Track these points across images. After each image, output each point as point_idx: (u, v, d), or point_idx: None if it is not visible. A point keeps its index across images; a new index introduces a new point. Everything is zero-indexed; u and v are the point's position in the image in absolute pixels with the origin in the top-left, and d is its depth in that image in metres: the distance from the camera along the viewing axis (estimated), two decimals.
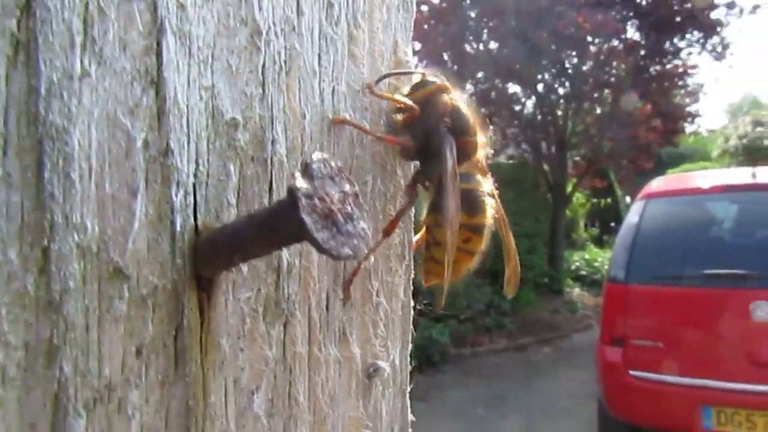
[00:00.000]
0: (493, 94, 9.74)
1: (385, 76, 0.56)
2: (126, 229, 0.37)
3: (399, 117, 0.56)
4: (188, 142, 0.40)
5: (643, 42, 9.70)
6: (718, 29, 9.61)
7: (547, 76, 9.84)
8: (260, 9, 0.45)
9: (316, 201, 0.34)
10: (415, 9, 0.61)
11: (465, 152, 0.58)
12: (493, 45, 9.34)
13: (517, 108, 10.33)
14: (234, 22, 0.43)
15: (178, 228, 0.39)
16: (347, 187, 0.37)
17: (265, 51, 0.45)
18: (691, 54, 9.96)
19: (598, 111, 10.22)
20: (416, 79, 0.58)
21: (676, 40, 9.73)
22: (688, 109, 10.65)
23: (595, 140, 10.24)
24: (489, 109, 9.84)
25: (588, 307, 9.68)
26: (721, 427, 3.42)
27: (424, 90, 0.57)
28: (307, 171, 0.35)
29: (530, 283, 9.02)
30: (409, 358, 0.62)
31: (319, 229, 0.34)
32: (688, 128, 11.07)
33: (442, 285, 0.57)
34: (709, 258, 3.76)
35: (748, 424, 3.36)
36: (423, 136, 0.56)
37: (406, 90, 0.58)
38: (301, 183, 0.34)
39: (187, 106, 0.40)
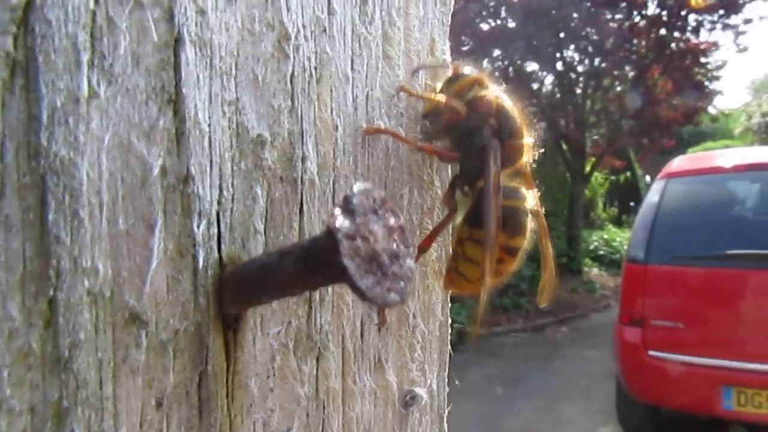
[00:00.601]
0: (510, 71, 9.57)
1: (417, 69, 0.50)
2: (143, 268, 0.32)
3: (437, 118, 0.51)
4: (210, 166, 0.36)
5: (664, 18, 9.45)
6: (741, 6, 9.33)
7: (566, 53, 9.65)
8: (288, 10, 0.40)
9: (359, 242, 0.29)
10: (453, 2, 0.55)
11: (510, 157, 0.53)
12: (510, 23, 9.16)
13: (536, 86, 10.15)
14: (260, 26, 0.39)
15: (201, 263, 0.35)
16: (392, 221, 0.32)
17: (294, 57, 0.41)
18: (714, 30, 9.69)
19: (619, 89, 10.01)
20: (449, 72, 0.53)
21: (698, 16, 9.46)
22: (708, 88, 10.39)
23: (615, 119, 10.06)
24: (507, 87, 9.69)
25: (606, 287, 9.61)
26: (741, 408, 3.40)
27: (460, 83, 0.52)
28: (348, 206, 0.30)
29: None
30: (446, 380, 0.57)
31: (363, 276, 0.29)
32: (710, 109, 10.82)
33: (463, 296, 0.53)
34: (730, 238, 3.71)
35: None
36: (464, 139, 0.51)
37: (439, 86, 0.53)
38: (341, 222, 0.29)
39: (209, 125, 0.35)
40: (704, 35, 9.77)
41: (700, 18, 9.45)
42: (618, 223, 13.91)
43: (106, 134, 0.31)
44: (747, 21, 9.49)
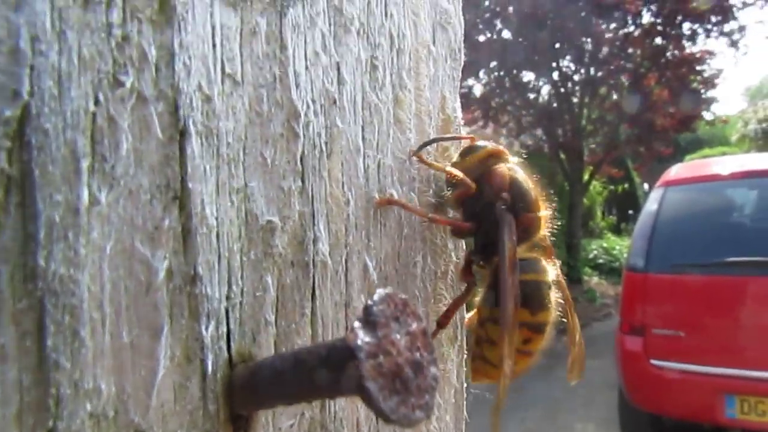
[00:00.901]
0: (507, 82, 9.59)
1: (429, 142, 0.49)
2: (148, 380, 0.30)
3: (450, 190, 0.49)
4: (219, 261, 0.33)
5: (659, 27, 9.49)
6: (734, 14, 9.37)
7: (562, 62, 9.68)
8: (297, 86, 0.38)
9: (381, 358, 0.27)
10: (463, 57, 0.54)
11: (527, 231, 0.51)
12: (506, 34, 9.18)
13: (532, 96, 10.17)
14: (268, 106, 0.37)
15: (210, 367, 0.33)
16: (414, 326, 0.30)
17: (304, 135, 0.39)
18: (710, 38, 9.72)
19: (615, 97, 10.03)
20: (465, 143, 0.51)
21: (692, 25, 9.49)
22: (704, 95, 10.41)
23: (612, 127, 10.08)
24: (503, 98, 9.71)
25: (606, 295, 9.59)
26: (745, 416, 3.38)
27: (474, 156, 0.50)
28: (368, 318, 0.28)
29: None
30: None
31: (386, 397, 0.27)
32: (706, 115, 10.84)
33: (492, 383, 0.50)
34: (730, 245, 3.71)
35: None
36: (478, 213, 0.49)
37: (455, 154, 0.51)
38: (363, 338, 0.27)
39: (217, 218, 0.33)
40: (700, 43, 9.80)
41: (695, 26, 9.49)
42: (617, 231, 13.91)
43: (108, 242, 0.29)
44: (741, 28, 9.52)
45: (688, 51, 9.68)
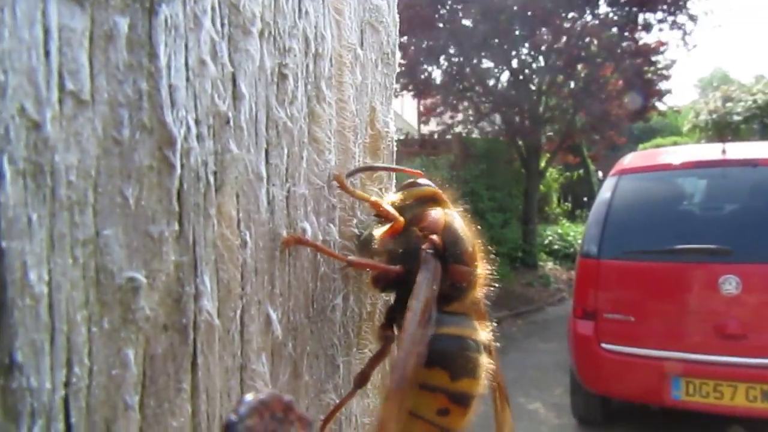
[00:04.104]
0: (467, 69, 9.55)
1: (360, 170, 0.41)
2: None
3: (376, 229, 0.42)
4: (51, 341, 0.25)
5: (615, 18, 9.57)
6: (685, 4, 9.51)
7: (521, 50, 9.69)
8: (173, 105, 0.30)
9: None
10: (398, 61, 0.46)
11: (456, 286, 0.42)
12: (466, 21, 9.12)
13: (491, 83, 10.16)
14: (130, 131, 0.28)
15: None
16: None
17: (183, 165, 0.31)
18: (662, 30, 9.87)
19: (572, 86, 10.11)
20: (407, 177, 0.44)
21: (647, 16, 9.61)
22: (658, 87, 10.58)
23: (569, 115, 10.17)
24: (462, 84, 9.67)
25: (561, 280, 9.74)
26: (690, 397, 3.47)
27: (412, 192, 0.43)
28: None
29: (504, 257, 9.00)
30: None
31: None
32: (660, 106, 11.02)
33: None
34: (679, 233, 3.80)
35: (716, 394, 3.41)
36: (403, 257, 0.41)
37: (390, 186, 0.43)
38: None
39: (49, 283, 0.25)
40: (654, 34, 9.93)
41: (647, 16, 9.61)
42: (572, 217, 14.10)
43: None
44: (692, 17, 9.66)
45: (642, 42, 9.81)
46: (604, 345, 3.75)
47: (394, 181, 0.47)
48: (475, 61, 9.47)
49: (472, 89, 9.64)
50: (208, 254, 0.32)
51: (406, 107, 11.76)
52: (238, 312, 0.34)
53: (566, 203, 15.12)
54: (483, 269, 0.44)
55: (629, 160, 4.55)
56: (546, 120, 10.28)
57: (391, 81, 0.46)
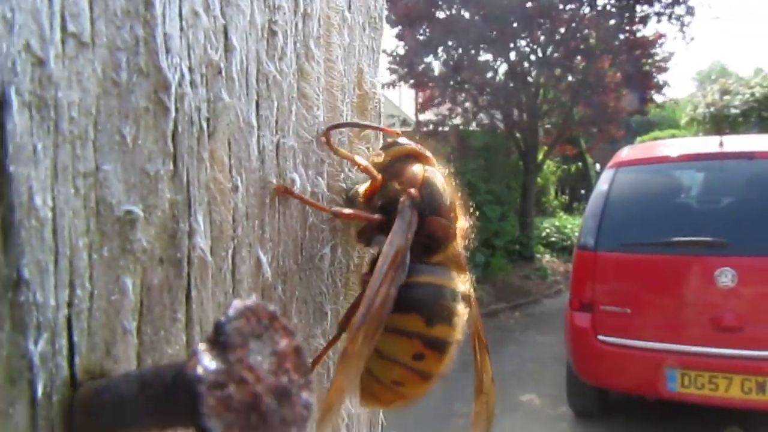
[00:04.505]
0: (465, 61, 9.54)
1: (344, 125, 0.43)
2: None
3: (360, 186, 0.44)
4: (56, 262, 0.28)
5: (613, 10, 9.56)
6: None
7: (519, 43, 9.69)
8: (168, 52, 0.32)
9: (232, 390, 0.22)
10: (384, 25, 0.48)
11: (433, 237, 0.44)
12: (464, 12, 9.11)
13: (489, 75, 10.16)
14: (128, 74, 0.30)
15: (41, 389, 0.27)
16: (282, 344, 0.25)
17: (177, 109, 0.33)
18: (661, 22, 9.86)
19: (570, 78, 10.11)
20: (387, 138, 0.46)
21: (644, 8, 9.60)
22: (656, 79, 10.58)
23: (566, 108, 10.18)
24: (461, 76, 9.67)
25: (558, 273, 9.76)
26: (685, 389, 3.50)
27: (393, 151, 0.45)
28: (218, 339, 0.23)
29: (502, 250, 9.03)
30: None
31: None
32: (658, 98, 11.01)
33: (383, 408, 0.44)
34: (676, 225, 3.82)
35: (711, 386, 3.44)
36: (383, 210, 0.43)
37: (376, 145, 0.45)
38: (206, 365, 0.22)
39: (53, 209, 0.27)
40: (652, 27, 9.94)
41: (647, 10, 9.60)
42: (569, 210, 14.14)
43: None
44: (690, 10, 9.66)
45: (640, 34, 9.81)
46: (600, 337, 3.77)
47: (381, 141, 0.49)
48: (473, 52, 9.46)
49: (470, 81, 9.63)
50: (202, 195, 0.34)
51: (404, 97, 11.75)
52: (230, 252, 0.36)
53: (564, 196, 15.14)
54: (462, 223, 0.46)
55: (627, 152, 4.56)
56: (544, 113, 10.29)
57: (378, 45, 0.48)
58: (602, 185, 4.20)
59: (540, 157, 10.63)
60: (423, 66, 9.58)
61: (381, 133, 0.48)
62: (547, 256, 10.68)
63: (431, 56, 9.51)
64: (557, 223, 12.01)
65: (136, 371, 0.28)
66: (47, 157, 0.27)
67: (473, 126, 10.62)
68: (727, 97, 13.76)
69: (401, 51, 9.31)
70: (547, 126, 10.84)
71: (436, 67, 9.87)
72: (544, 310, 7.95)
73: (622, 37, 9.69)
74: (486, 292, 7.80)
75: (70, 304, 0.28)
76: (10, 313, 0.26)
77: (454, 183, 0.47)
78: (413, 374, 0.42)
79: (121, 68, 0.30)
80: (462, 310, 0.43)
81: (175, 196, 0.33)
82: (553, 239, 11.29)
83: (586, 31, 9.55)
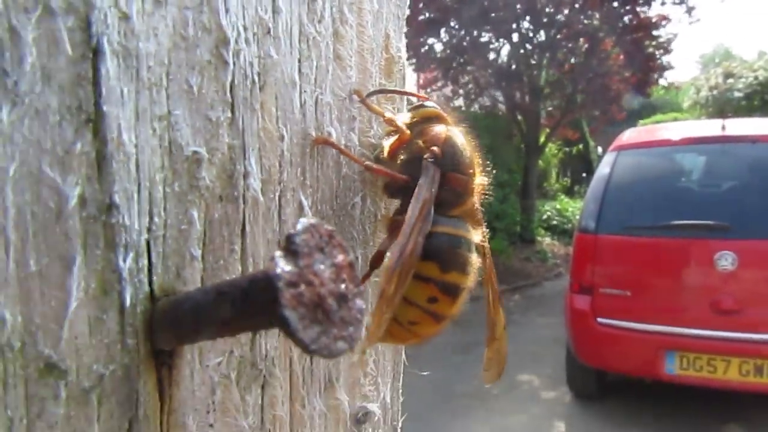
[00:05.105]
0: (466, 42, 9.52)
1: (377, 92, 0.47)
2: (59, 312, 0.29)
3: (386, 141, 0.48)
4: (138, 191, 0.32)
5: None
6: None
7: (522, 24, 9.65)
8: (227, 11, 0.36)
9: (303, 289, 0.27)
10: None
11: (453, 192, 0.48)
12: None
13: (491, 57, 10.14)
14: (194, 30, 0.34)
15: (128, 300, 0.31)
16: (340, 258, 0.29)
17: (234, 64, 0.37)
18: (665, 4, 9.82)
19: (573, 61, 10.09)
20: (414, 101, 0.50)
21: None
22: (659, 60, 10.55)
23: (569, 90, 10.17)
24: (463, 57, 9.65)
25: (558, 255, 9.82)
26: (683, 371, 3.56)
27: (419, 112, 0.49)
28: (290, 247, 0.27)
29: (503, 232, 9.08)
30: (400, 390, 0.56)
31: (306, 326, 0.26)
32: (661, 81, 10.98)
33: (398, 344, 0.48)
34: (676, 209, 3.83)
35: (709, 368, 3.49)
36: (408, 167, 0.47)
37: (402, 106, 0.50)
38: (283, 267, 0.26)
39: (136, 145, 0.32)
40: (656, 8, 9.89)
41: None
42: (570, 193, 14.17)
43: (12, 164, 0.27)
44: None
45: (644, 16, 9.76)
46: (600, 319, 3.82)
47: (405, 103, 0.53)
48: (475, 33, 9.43)
49: (472, 62, 9.62)
50: (254, 141, 0.38)
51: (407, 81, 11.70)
52: (277, 195, 0.40)
53: (565, 179, 15.16)
54: (480, 180, 0.50)
55: (628, 135, 4.56)
56: (546, 95, 10.28)
57: (403, 12, 0.52)
58: (604, 168, 4.21)
59: (542, 139, 10.64)
60: (425, 48, 9.57)
61: (405, 96, 0.52)
62: (548, 239, 10.73)
63: (434, 38, 9.49)
64: (558, 206, 12.05)
65: (211, 285, 0.33)
66: (131, 100, 0.31)
67: (475, 108, 10.62)
68: (730, 81, 13.72)
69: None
70: (550, 108, 10.83)
71: (438, 48, 9.85)
72: (544, 292, 8.01)
73: (626, 18, 9.65)
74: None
75: (149, 230, 0.33)
76: (104, 233, 0.30)
77: (474, 143, 0.51)
78: (427, 316, 0.45)
79: (188, 25, 0.34)
80: (475, 260, 0.47)
81: (233, 141, 0.37)
82: (554, 222, 11.34)
83: (590, 12, 9.51)
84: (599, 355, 3.94)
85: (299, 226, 0.28)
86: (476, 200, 0.51)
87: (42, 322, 0.28)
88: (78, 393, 0.30)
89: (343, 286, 0.29)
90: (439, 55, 9.84)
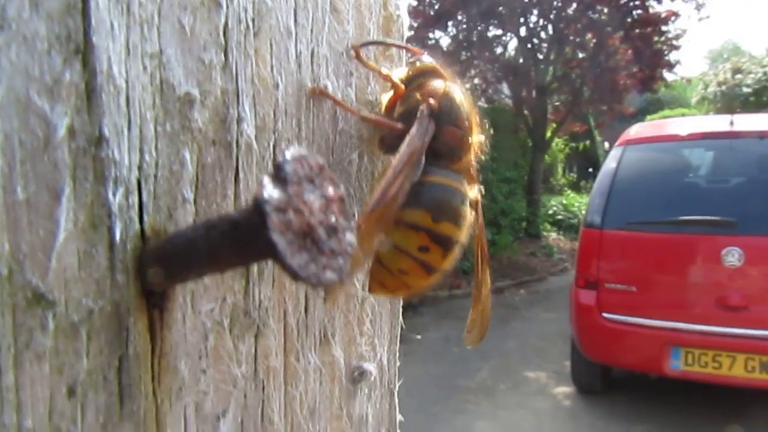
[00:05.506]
0: (474, 36, 9.49)
1: (373, 43, 0.47)
2: (47, 242, 0.29)
3: (383, 96, 0.48)
4: (129, 127, 0.32)
5: None
6: None
7: (530, 18, 9.61)
8: None
9: (291, 215, 0.26)
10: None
11: (448, 146, 0.47)
12: None
13: (499, 51, 10.11)
14: None
15: (118, 235, 0.31)
16: (330, 191, 0.29)
17: (228, 7, 0.36)
18: (675, 0, 9.76)
19: (580, 56, 10.04)
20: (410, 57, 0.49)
21: None
22: (667, 57, 10.48)
23: (576, 85, 10.12)
24: (470, 52, 9.63)
25: (564, 251, 9.79)
26: (689, 367, 3.53)
27: (416, 68, 0.48)
28: (279, 175, 0.27)
29: (508, 227, 9.06)
30: (397, 353, 0.55)
31: (294, 253, 0.26)
32: (669, 77, 10.92)
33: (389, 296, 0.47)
34: (683, 204, 3.80)
35: (714, 364, 3.47)
36: (404, 119, 0.46)
37: (400, 63, 0.49)
38: (271, 192, 0.26)
39: (126, 81, 0.31)
40: (666, 4, 9.83)
41: None
42: (576, 188, 14.12)
43: None
44: None
45: (653, 11, 9.70)
46: (605, 315, 3.79)
47: (404, 61, 0.52)
48: (481, 27, 9.40)
49: (479, 57, 9.59)
50: (248, 88, 0.38)
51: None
52: (272, 143, 0.40)
53: (571, 174, 15.11)
54: (477, 138, 0.50)
55: (635, 130, 4.52)
56: (553, 90, 10.24)
57: None
58: (610, 163, 4.18)
59: (548, 134, 10.60)
60: (432, 41, 9.54)
61: (404, 54, 0.52)
62: (554, 234, 10.70)
63: (441, 31, 9.46)
64: (564, 201, 12.01)
65: (202, 220, 0.32)
66: (121, 34, 0.31)
67: (482, 102, 10.58)
68: (739, 76, 13.63)
69: (412, 24, 9.25)
70: (556, 103, 10.79)
71: (445, 42, 9.83)
72: (549, 287, 7.99)
73: (634, 13, 9.60)
74: (492, 269, 7.82)
75: (140, 167, 0.32)
76: (93, 166, 0.30)
77: (472, 100, 0.50)
78: (418, 265, 0.45)
79: None
80: (468, 214, 0.47)
81: (226, 85, 0.37)
82: (559, 217, 11.30)
83: (598, 6, 9.45)
84: (604, 350, 3.92)
85: (288, 155, 0.27)
86: (473, 158, 0.50)
87: (29, 251, 0.28)
88: (66, 326, 0.30)
89: (333, 218, 0.29)
90: (446, 49, 9.81)
